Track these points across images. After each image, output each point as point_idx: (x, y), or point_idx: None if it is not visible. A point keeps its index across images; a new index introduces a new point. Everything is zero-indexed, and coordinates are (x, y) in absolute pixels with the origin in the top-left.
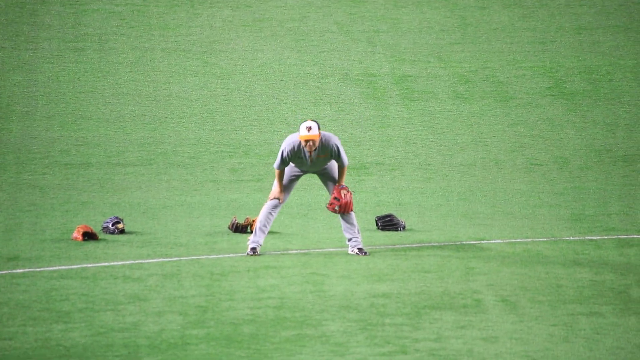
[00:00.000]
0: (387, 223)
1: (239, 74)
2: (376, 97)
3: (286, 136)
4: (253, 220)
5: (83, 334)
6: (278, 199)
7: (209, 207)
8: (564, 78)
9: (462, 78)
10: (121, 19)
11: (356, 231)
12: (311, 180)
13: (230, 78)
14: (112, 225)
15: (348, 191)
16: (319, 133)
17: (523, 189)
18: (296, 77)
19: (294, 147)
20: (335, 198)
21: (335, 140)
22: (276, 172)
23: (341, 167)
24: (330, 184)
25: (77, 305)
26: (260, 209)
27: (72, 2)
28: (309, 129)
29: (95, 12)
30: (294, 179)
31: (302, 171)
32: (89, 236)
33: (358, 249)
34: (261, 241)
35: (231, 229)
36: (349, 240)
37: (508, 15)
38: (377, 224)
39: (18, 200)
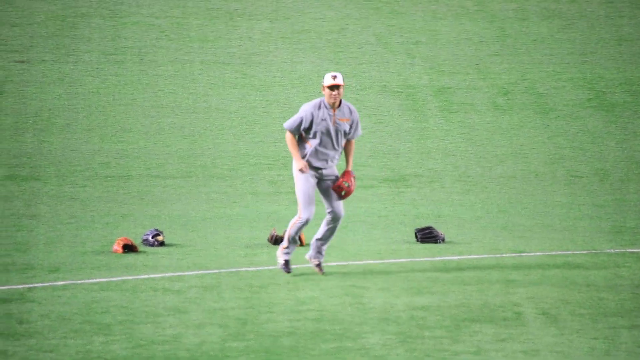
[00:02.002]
0: (427, 235)
1: (277, 86)
2: (415, 108)
3: None
4: None
5: (123, 347)
6: (302, 169)
7: (248, 219)
8: (604, 89)
9: (501, 90)
10: (160, 32)
11: (326, 246)
12: None
13: (269, 90)
14: (152, 237)
15: (355, 180)
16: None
17: (563, 201)
18: None
19: (314, 106)
20: (345, 183)
21: (357, 112)
22: (288, 136)
23: (352, 142)
24: (332, 193)
25: (118, 318)
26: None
27: (112, 15)
28: (335, 77)
29: (135, 25)
30: (311, 187)
31: (317, 174)
32: (129, 248)
33: (318, 264)
34: (294, 250)
35: (270, 242)
36: (315, 253)
37: (547, 27)
38: (416, 237)
39: (59, 213)
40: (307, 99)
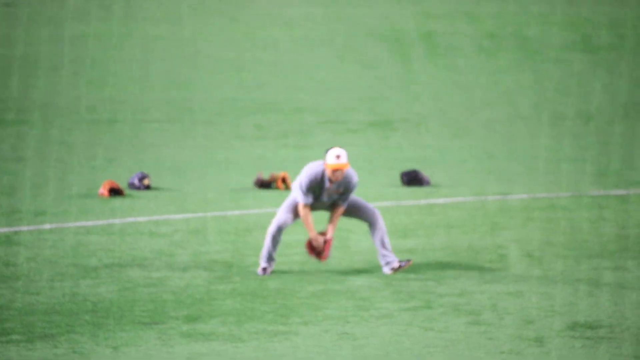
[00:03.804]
0: (412, 178)
1: (265, 31)
2: (402, 53)
3: (314, 94)
4: (278, 177)
5: (110, 289)
6: (312, 241)
7: (235, 163)
8: (590, 32)
9: (487, 33)
10: None
11: (389, 253)
12: (336, 137)
13: (257, 34)
14: (138, 181)
15: (329, 249)
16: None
17: (548, 143)
18: (322, 34)
19: (316, 177)
20: (315, 251)
21: (356, 179)
22: (302, 209)
23: (340, 207)
24: (357, 213)
25: (104, 261)
26: (284, 165)
27: None
28: (339, 157)
29: None
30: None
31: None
32: (115, 192)
33: (396, 267)
34: (272, 267)
35: (256, 185)
36: (386, 264)
37: None
38: (402, 180)
39: (45, 156)
40: (294, 43)
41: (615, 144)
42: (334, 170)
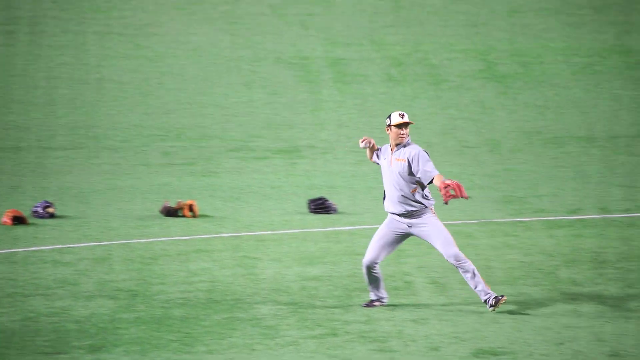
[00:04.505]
0: (319, 206)
1: (171, 57)
2: (309, 80)
3: (221, 120)
4: (185, 204)
5: (12, 319)
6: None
7: (141, 191)
8: (495, 61)
9: (394, 61)
10: (53, 2)
11: (478, 285)
12: (243, 164)
13: (163, 61)
14: (43, 209)
15: (450, 184)
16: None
17: (454, 171)
18: (229, 61)
19: (385, 147)
20: (445, 187)
21: (421, 149)
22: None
23: (431, 177)
24: (437, 242)
25: (6, 290)
26: (191, 192)
27: None
28: (402, 115)
29: None
30: (381, 234)
31: (401, 221)
32: (18, 220)
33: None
34: (378, 294)
35: (162, 213)
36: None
37: None
38: (309, 207)
39: None
40: (201, 70)
41: (520, 171)
42: (399, 127)
